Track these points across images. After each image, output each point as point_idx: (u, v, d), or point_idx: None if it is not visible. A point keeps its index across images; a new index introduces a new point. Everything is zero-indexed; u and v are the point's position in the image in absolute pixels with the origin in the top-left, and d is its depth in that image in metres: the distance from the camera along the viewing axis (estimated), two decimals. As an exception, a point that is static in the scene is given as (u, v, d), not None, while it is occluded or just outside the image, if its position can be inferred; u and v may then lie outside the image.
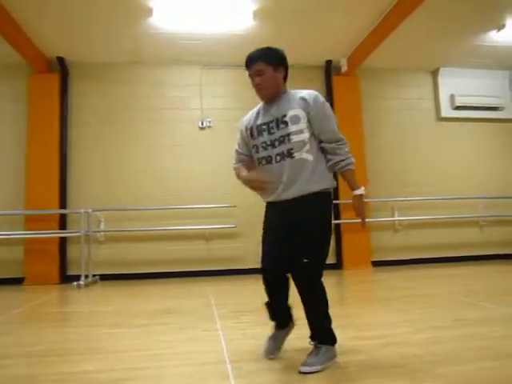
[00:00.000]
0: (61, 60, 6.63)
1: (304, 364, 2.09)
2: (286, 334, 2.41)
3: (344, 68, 7.08)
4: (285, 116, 2.22)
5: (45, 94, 6.58)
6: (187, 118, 6.98)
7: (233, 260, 6.70)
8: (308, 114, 2.22)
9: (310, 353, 2.16)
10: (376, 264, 7.02)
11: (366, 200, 6.97)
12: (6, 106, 6.67)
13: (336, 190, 7.00)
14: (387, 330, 2.84)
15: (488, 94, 7.69)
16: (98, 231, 6.51)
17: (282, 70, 2.32)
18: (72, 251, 6.48)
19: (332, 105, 7.20)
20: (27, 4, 5.22)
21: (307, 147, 2.21)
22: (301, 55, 6.85)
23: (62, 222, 6.52)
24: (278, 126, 2.23)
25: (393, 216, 7.23)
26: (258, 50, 2.30)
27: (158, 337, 2.88)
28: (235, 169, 2.45)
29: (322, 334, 2.20)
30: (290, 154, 2.20)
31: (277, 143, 2.23)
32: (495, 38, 6.57)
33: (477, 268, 6.48)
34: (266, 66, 2.25)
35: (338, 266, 6.94)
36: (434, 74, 7.76)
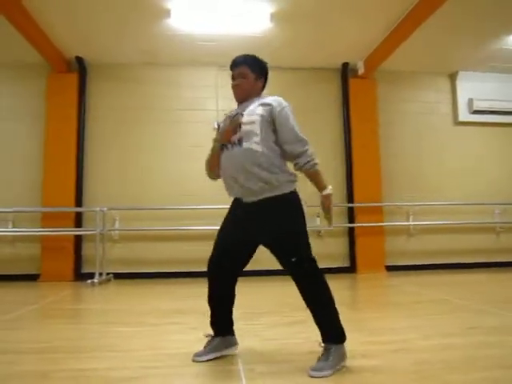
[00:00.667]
0: (79, 60, 6.73)
1: (314, 369, 2.07)
2: (222, 345, 2.41)
3: (361, 70, 7.04)
4: (244, 110, 2.32)
5: (63, 93, 6.68)
6: (203, 119, 7.01)
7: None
8: (271, 117, 2.25)
9: (321, 355, 2.14)
10: (390, 268, 6.96)
11: (381, 204, 7.00)
12: (25, 104, 6.78)
13: (351, 193, 6.97)
14: (399, 335, 2.82)
15: (507, 99, 7.57)
16: (113, 230, 6.58)
17: (263, 80, 2.46)
18: (87, 249, 6.56)
19: (348, 107, 7.18)
20: (47, 4, 5.30)
21: (257, 139, 2.21)
22: (317, 58, 6.84)
23: (78, 220, 6.61)
24: (234, 117, 2.36)
25: (408, 220, 7.16)
26: (244, 56, 2.43)
27: (170, 336, 2.90)
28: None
29: (331, 332, 2.18)
30: (239, 142, 2.25)
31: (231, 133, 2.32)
32: (515, 41, 6.47)
33: (492, 275, 6.38)
34: (250, 72, 2.38)
35: (351, 269, 6.90)
36: (452, 77, 7.67)
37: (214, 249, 2.49)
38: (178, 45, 6.44)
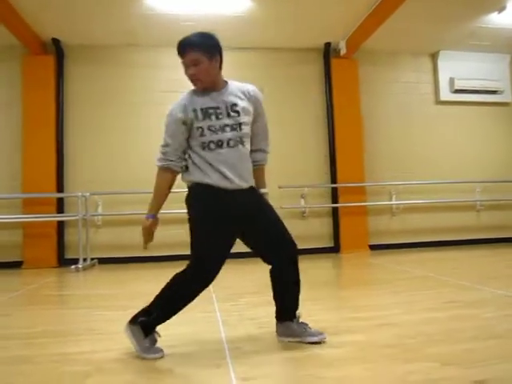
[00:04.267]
0: (56, 42, 6.55)
1: (313, 335, 2.20)
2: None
3: (343, 51, 7.01)
4: (235, 105, 2.18)
5: (40, 76, 6.51)
6: (184, 102, 6.93)
7: (230, 243, 6.71)
8: (255, 110, 2.25)
9: (306, 325, 2.24)
10: (373, 248, 7.05)
11: (364, 184, 7.06)
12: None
13: (334, 174, 7.01)
14: (382, 311, 2.87)
15: (487, 78, 7.64)
16: (96, 215, 6.52)
17: (218, 58, 2.21)
18: (70, 235, 6.50)
19: (330, 87, 7.16)
20: (21, -16, 5.14)
21: (248, 141, 2.24)
22: (299, 38, 6.77)
23: (60, 206, 6.52)
24: (228, 114, 2.16)
25: (390, 200, 7.24)
26: (192, 36, 2.17)
27: (155, 318, 2.90)
28: (163, 173, 2.26)
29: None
30: (242, 142, 2.18)
31: (228, 129, 2.14)
32: (496, 20, 6.48)
33: (472, 252, 6.52)
34: (201, 55, 2.13)
35: (335, 249, 6.97)
36: (434, 57, 7.69)
37: (214, 262, 2.23)
38: (158, 25, 6.31)
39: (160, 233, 7.02)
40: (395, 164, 7.36)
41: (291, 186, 6.67)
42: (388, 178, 7.23)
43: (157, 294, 2.27)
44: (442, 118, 7.65)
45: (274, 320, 2.31)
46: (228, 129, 2.14)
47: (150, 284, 4.59)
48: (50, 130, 6.50)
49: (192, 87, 2.26)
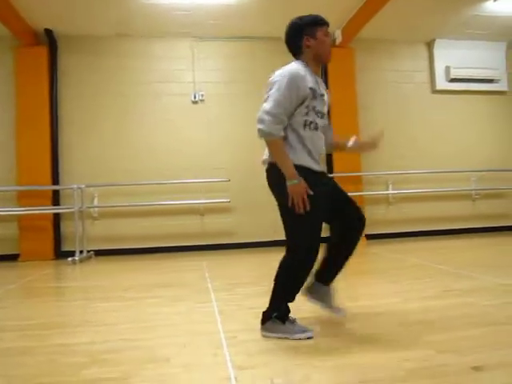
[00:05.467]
0: (49, 32, 6.47)
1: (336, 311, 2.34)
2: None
3: (338, 39, 6.97)
4: (323, 96, 2.30)
5: (33, 68, 6.44)
6: (179, 92, 6.89)
7: (227, 234, 6.72)
8: None
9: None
10: (370, 237, 7.07)
11: (360, 174, 7.05)
12: (-7, 80, 6.55)
13: (330, 164, 7.01)
14: (379, 300, 2.88)
15: (483, 66, 7.61)
16: (92, 207, 6.50)
17: None
18: (66, 227, 6.48)
19: (326, 76, 7.12)
20: (12, -26, 5.07)
21: None
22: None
23: (56, 198, 6.49)
24: (324, 102, 2.32)
25: (387, 189, 7.25)
26: None
27: (153, 309, 2.91)
28: (277, 140, 2.12)
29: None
30: (326, 128, 2.38)
31: (322, 115, 2.29)
32: (492, 8, 6.45)
33: (468, 241, 6.54)
34: None
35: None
36: (430, 45, 7.65)
37: (316, 238, 2.24)
38: (151, 15, 6.24)
39: (156, 224, 7.05)
40: (391, 153, 7.35)
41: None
42: (384, 167, 7.22)
43: (273, 290, 2.23)
44: (438, 107, 7.63)
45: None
46: (322, 115, 2.29)
47: (146, 275, 4.61)
48: (44, 121, 6.45)
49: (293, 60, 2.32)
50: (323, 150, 2.32)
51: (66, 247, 6.42)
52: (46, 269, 5.38)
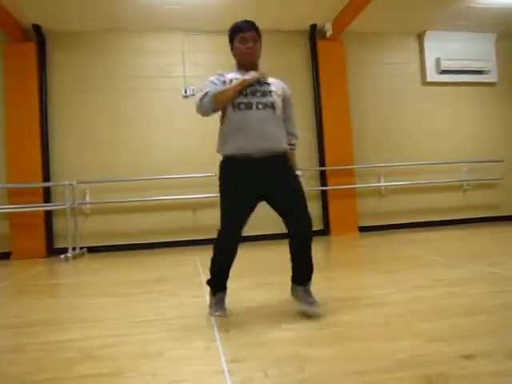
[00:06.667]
0: (37, 28, 6.41)
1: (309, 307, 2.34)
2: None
3: (329, 32, 6.97)
4: (265, 79, 2.49)
5: (22, 64, 6.39)
6: (170, 86, 6.86)
7: (220, 229, 6.71)
8: (284, 96, 2.53)
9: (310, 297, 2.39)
10: (363, 229, 7.11)
11: (352, 166, 7.08)
12: (-19, 76, 6.48)
13: (322, 157, 7.02)
14: (370, 291, 2.90)
15: (473, 58, 7.65)
16: (84, 203, 6.47)
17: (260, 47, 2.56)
18: (58, 224, 6.46)
19: (317, 70, 7.14)
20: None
21: (280, 110, 2.47)
22: (285, 20, 6.70)
23: (47, 195, 6.46)
24: (260, 83, 2.44)
25: (379, 181, 7.28)
26: (251, 21, 2.48)
27: (146, 304, 2.91)
28: (215, 91, 2.37)
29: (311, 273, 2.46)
30: (272, 106, 2.41)
31: (258, 94, 2.40)
32: (481, -1, 6.49)
33: (459, 231, 6.60)
34: (258, 37, 2.49)
35: (325, 232, 7.02)
36: (420, 37, 7.67)
37: (227, 220, 2.43)
38: (140, 9, 6.20)
39: (149, 220, 7.03)
40: (383, 145, 7.39)
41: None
42: (376, 159, 7.26)
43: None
44: (429, 99, 7.67)
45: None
46: (259, 94, 2.40)
47: (138, 271, 4.60)
48: (33, 118, 6.41)
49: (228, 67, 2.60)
50: (270, 128, 2.37)
51: (58, 244, 6.40)
52: (39, 266, 5.36)
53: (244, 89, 2.38)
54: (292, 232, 2.39)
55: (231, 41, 2.51)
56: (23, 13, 6.06)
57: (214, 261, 2.53)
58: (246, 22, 2.46)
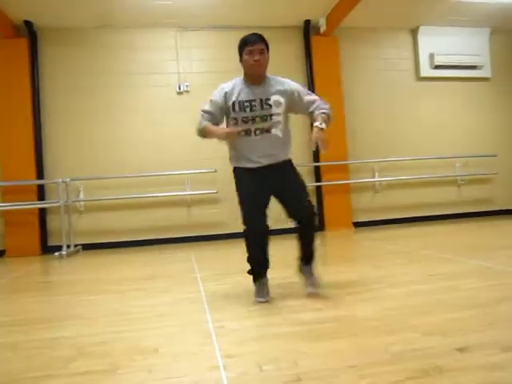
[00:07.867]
0: (28, 24, 6.35)
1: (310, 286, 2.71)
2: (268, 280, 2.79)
3: (323, 28, 6.95)
4: (268, 100, 2.64)
5: (14, 60, 6.33)
6: (164, 83, 6.83)
7: (215, 225, 6.72)
8: (289, 99, 2.67)
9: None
10: (357, 225, 7.13)
11: (346, 162, 7.08)
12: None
13: (317, 152, 7.02)
14: (366, 286, 2.91)
15: (467, 53, 7.66)
16: (78, 201, 6.44)
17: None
18: (52, 222, 6.42)
19: (311, 65, 7.12)
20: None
21: (280, 127, 2.68)
22: (279, 15, 6.68)
23: (41, 193, 6.42)
24: (261, 106, 2.62)
25: (373, 177, 7.29)
26: (259, 34, 2.63)
27: (140, 301, 2.90)
28: (205, 127, 2.66)
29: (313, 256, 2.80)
30: (268, 130, 2.65)
31: (258, 119, 2.62)
32: (474, -6, 6.49)
33: (454, 226, 6.63)
34: (266, 49, 2.64)
35: (320, 227, 7.02)
36: (414, 32, 7.67)
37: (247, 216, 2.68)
38: (133, 5, 6.16)
39: (143, 217, 7.01)
40: (377, 141, 7.40)
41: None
42: (370, 155, 7.27)
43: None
44: (423, 95, 7.68)
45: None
46: (258, 119, 2.62)
47: (133, 268, 4.59)
48: (26, 115, 6.36)
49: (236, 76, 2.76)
50: (267, 149, 2.66)
51: (52, 242, 6.37)
52: (33, 264, 5.33)
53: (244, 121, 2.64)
54: (296, 220, 2.69)
55: (240, 53, 2.66)
56: (15, 9, 6.00)
57: (248, 252, 2.73)
58: (254, 34, 2.63)
